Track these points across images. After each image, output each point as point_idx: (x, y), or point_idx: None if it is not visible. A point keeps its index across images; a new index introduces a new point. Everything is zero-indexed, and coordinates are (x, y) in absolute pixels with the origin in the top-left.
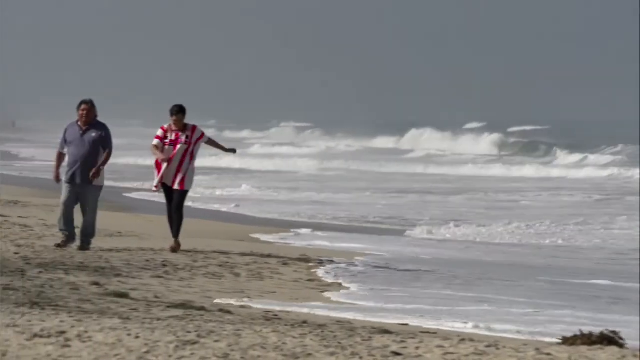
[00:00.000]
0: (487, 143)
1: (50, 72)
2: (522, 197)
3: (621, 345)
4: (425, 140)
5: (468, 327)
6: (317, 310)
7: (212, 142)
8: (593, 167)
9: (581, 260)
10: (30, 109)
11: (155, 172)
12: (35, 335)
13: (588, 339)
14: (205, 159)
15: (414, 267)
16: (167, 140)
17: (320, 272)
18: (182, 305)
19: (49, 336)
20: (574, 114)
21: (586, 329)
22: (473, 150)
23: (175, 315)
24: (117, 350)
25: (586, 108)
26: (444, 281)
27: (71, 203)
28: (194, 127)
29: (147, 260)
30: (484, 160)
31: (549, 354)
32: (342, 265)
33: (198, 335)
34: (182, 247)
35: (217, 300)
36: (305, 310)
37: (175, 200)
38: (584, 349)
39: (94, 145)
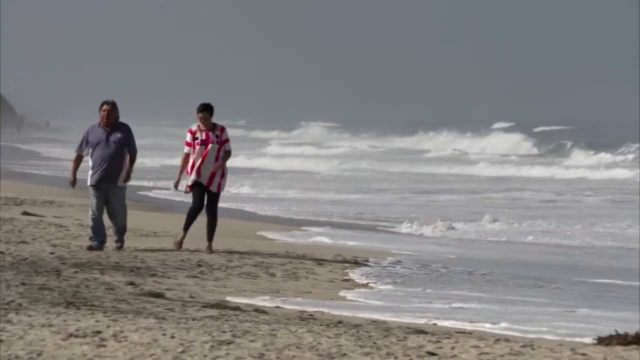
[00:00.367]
0: (510, 143)
1: (84, 71)
2: (554, 197)
3: None
4: (448, 140)
5: (500, 328)
6: (351, 310)
7: (227, 156)
8: (620, 168)
9: (615, 261)
10: (63, 109)
11: (188, 174)
12: (71, 335)
13: (624, 339)
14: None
15: (447, 267)
16: (197, 141)
17: (356, 272)
18: (218, 305)
19: (84, 336)
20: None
21: (621, 329)
22: (495, 150)
23: (211, 315)
24: (153, 350)
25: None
26: (475, 281)
27: (101, 210)
28: (223, 128)
29: (183, 260)
30: (503, 160)
31: (584, 354)
32: (377, 266)
33: (233, 335)
34: (217, 248)
35: (227, 298)
36: (340, 311)
37: (211, 203)
38: (619, 349)
39: (119, 146)
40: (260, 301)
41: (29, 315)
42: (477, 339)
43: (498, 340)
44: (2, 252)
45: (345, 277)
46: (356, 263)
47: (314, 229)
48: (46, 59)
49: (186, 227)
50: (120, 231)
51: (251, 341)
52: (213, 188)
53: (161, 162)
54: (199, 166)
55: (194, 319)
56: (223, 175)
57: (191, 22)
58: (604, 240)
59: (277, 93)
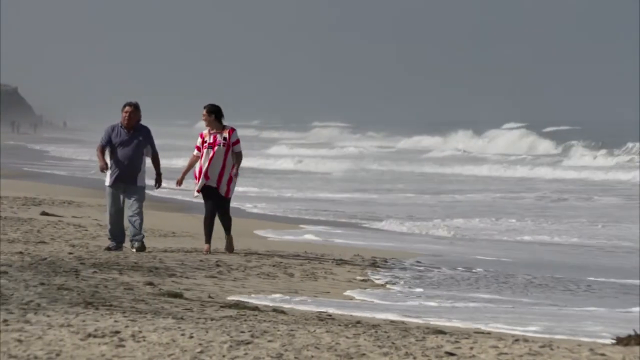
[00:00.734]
0: (521, 143)
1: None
2: (562, 197)
3: None
4: (458, 140)
5: (520, 329)
6: (370, 310)
7: (238, 158)
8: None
9: (632, 260)
10: (79, 109)
11: (195, 178)
12: (89, 335)
13: None
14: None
15: (465, 268)
16: (205, 144)
17: (374, 272)
18: (236, 305)
19: (103, 336)
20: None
21: None
22: (506, 151)
23: (229, 315)
24: (171, 350)
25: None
26: (494, 281)
27: (120, 212)
28: (232, 130)
29: (201, 260)
30: (513, 160)
31: (603, 355)
32: (396, 266)
33: (252, 335)
34: (236, 248)
35: (230, 298)
36: (358, 311)
37: (222, 207)
38: (638, 349)
39: (140, 148)
40: (279, 301)
41: (48, 316)
42: (496, 339)
43: (517, 340)
44: (21, 252)
45: (364, 278)
46: (375, 263)
47: (311, 228)
48: (64, 59)
49: (208, 239)
50: (138, 235)
51: (269, 341)
52: (222, 191)
53: (182, 162)
54: (206, 170)
55: (212, 319)
56: (231, 180)
57: (211, 25)
58: (624, 240)
59: (295, 93)
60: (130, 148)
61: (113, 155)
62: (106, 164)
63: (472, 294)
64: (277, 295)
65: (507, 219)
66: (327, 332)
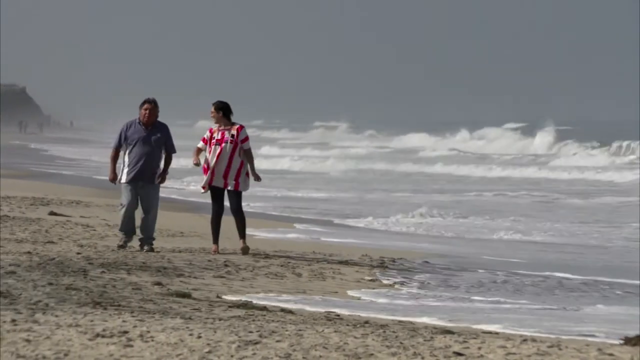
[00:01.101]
0: (521, 143)
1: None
2: (559, 197)
3: None
4: (456, 140)
5: (529, 329)
6: (378, 310)
7: (248, 156)
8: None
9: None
10: (84, 109)
11: (204, 173)
12: (98, 335)
13: None
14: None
15: (473, 268)
16: (213, 140)
17: (382, 272)
18: (244, 305)
19: (111, 336)
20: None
21: None
22: (506, 150)
23: (237, 315)
24: (179, 350)
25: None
26: (501, 282)
27: (133, 206)
28: (240, 128)
29: (209, 260)
30: (513, 160)
31: (611, 354)
32: (404, 266)
33: (260, 335)
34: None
35: (225, 297)
36: (366, 311)
37: (232, 203)
38: None
39: (158, 145)
40: (287, 301)
41: (56, 316)
42: (504, 339)
43: (525, 340)
44: (29, 252)
45: (372, 278)
46: (383, 264)
47: (302, 227)
48: (68, 59)
49: (215, 239)
50: (149, 235)
51: (278, 341)
52: (230, 187)
53: (182, 162)
54: (213, 167)
55: (220, 319)
56: (239, 174)
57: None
58: (624, 240)
59: (296, 93)
60: (148, 146)
61: (130, 153)
62: (116, 175)
63: (481, 294)
64: (285, 296)
65: (507, 219)
66: (335, 332)
